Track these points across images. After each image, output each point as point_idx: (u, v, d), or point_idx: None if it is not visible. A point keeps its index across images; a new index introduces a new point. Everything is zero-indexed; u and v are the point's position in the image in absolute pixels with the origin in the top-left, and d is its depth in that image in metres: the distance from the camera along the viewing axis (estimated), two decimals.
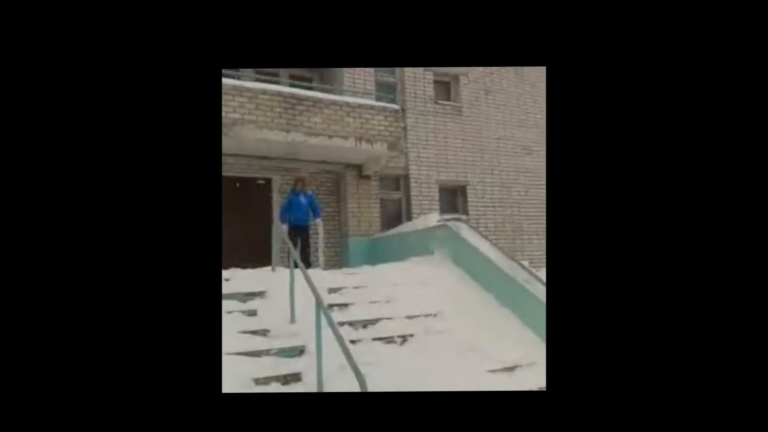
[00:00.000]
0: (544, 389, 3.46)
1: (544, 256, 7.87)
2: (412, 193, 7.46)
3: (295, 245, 5.48)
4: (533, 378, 3.58)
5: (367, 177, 7.10)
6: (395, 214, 7.43)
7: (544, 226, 8.21)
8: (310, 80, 7.75)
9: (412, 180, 7.48)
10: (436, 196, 7.61)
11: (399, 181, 7.52)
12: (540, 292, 4.18)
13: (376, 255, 6.38)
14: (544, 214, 8.23)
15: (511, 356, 3.71)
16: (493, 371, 3.51)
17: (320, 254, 6.17)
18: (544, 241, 8.14)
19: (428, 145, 7.65)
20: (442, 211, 7.47)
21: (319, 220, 6.05)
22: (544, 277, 4.50)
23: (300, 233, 5.81)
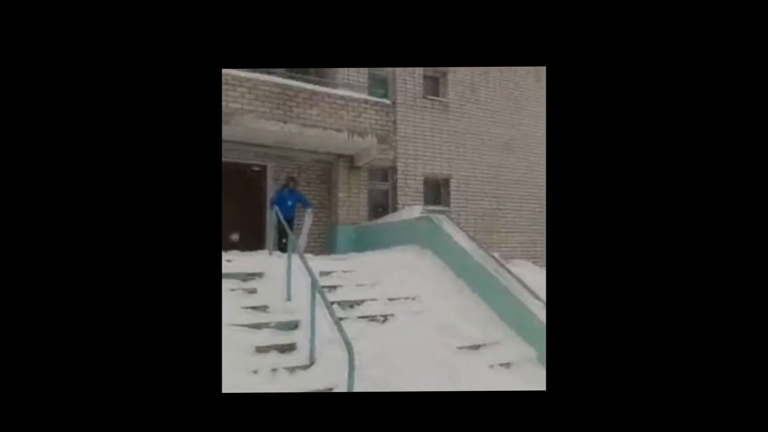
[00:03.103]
0: (508, 364, 4.03)
1: (518, 248, 8.48)
2: (399, 184, 7.92)
3: (280, 235, 5.96)
4: (496, 355, 4.15)
5: (358, 168, 7.52)
6: (382, 204, 7.91)
7: (521, 219, 8.81)
8: (306, 71, 8.07)
9: (399, 172, 7.94)
10: (421, 188, 8.09)
11: (387, 173, 7.97)
12: (507, 281, 4.74)
13: (362, 243, 6.85)
14: (521, 208, 8.83)
15: (478, 336, 4.28)
16: (461, 348, 4.06)
17: (303, 241, 6.55)
18: (519, 235, 8.74)
19: (416, 138, 8.09)
20: (426, 202, 7.97)
21: (309, 210, 6.47)
22: (512, 268, 5.06)
23: (289, 222, 6.28)
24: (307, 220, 6.44)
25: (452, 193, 8.36)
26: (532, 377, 3.96)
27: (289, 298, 4.15)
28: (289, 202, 6.30)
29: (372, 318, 4.23)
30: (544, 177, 9.10)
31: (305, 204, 6.49)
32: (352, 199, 7.44)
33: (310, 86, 6.57)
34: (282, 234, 6.05)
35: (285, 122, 6.27)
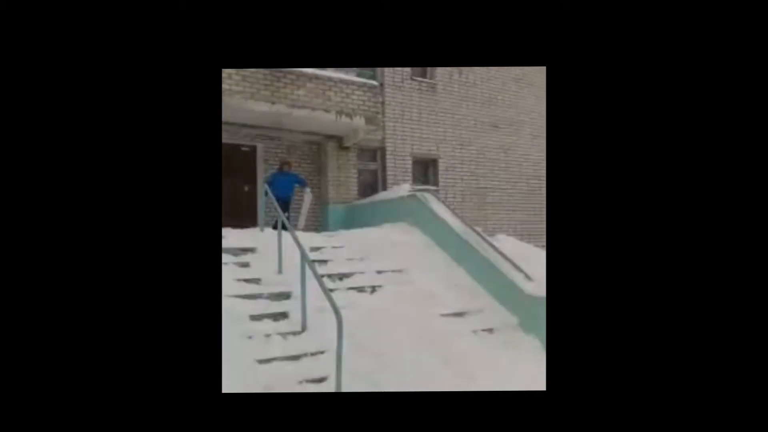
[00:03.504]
0: (491, 329, 4.27)
1: (504, 225, 8.71)
2: (388, 164, 8.06)
3: (283, 209, 6.15)
4: (479, 321, 4.39)
5: (347, 148, 7.64)
6: (371, 184, 8.05)
7: (507, 197, 9.02)
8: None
9: (388, 152, 8.07)
10: (410, 168, 8.24)
11: (376, 153, 8.10)
12: (489, 253, 4.95)
13: (352, 220, 7.02)
14: (507, 186, 9.03)
15: (461, 304, 4.50)
16: (445, 315, 4.29)
17: (302, 220, 6.76)
18: (505, 212, 8.96)
19: (404, 119, 8.21)
20: (415, 181, 8.13)
21: (308, 189, 6.62)
22: (495, 243, 5.27)
23: (282, 206, 6.47)
24: (307, 198, 6.53)
25: (441, 172, 8.52)
26: (513, 341, 4.21)
27: (280, 272, 4.32)
28: (285, 184, 6.42)
29: (360, 289, 4.43)
30: (530, 156, 9.32)
31: (302, 183, 6.59)
32: (341, 179, 7.58)
33: (297, 67, 6.63)
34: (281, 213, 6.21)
35: (273, 103, 6.34)
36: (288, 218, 6.58)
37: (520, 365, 3.80)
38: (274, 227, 6.06)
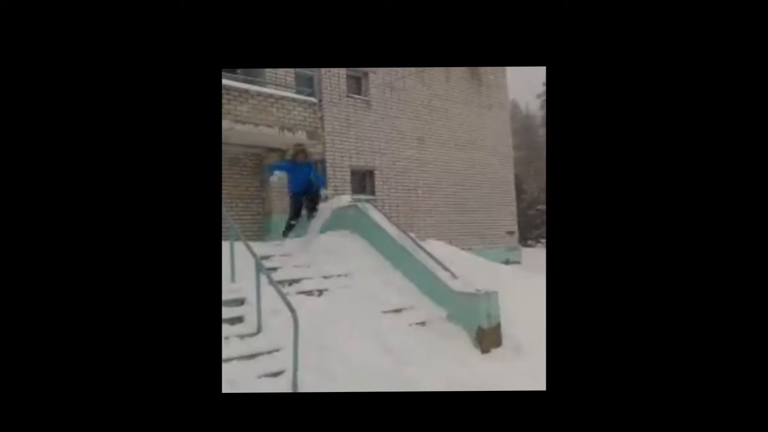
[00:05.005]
0: (423, 322, 4.94)
1: (433, 228, 9.57)
2: (328, 176, 8.56)
3: (300, 207, 6.13)
4: (414, 316, 5.05)
5: None
6: None
7: (435, 203, 9.89)
8: (234, 71, 8.32)
9: (327, 164, 8.57)
10: (348, 179, 8.81)
11: (316, 165, 8.55)
12: (421, 256, 5.66)
13: (295, 230, 7.41)
14: (435, 193, 9.91)
15: (398, 302, 5.14)
16: (384, 312, 4.90)
17: (315, 234, 6.13)
18: (433, 217, 9.83)
19: (341, 133, 8.77)
20: (354, 191, 8.71)
21: (323, 191, 6.08)
22: (426, 246, 5.99)
23: (298, 203, 6.16)
24: (325, 209, 5.96)
25: (376, 182, 9.19)
26: (442, 331, 4.92)
27: (233, 280, 4.66)
28: (301, 176, 5.87)
29: (309, 293, 4.90)
30: (455, 166, 10.29)
31: (320, 180, 6.05)
32: (285, 190, 7.93)
33: (240, 84, 6.93)
34: (295, 214, 5.95)
35: None
36: (309, 216, 6.03)
37: (450, 351, 4.51)
38: (286, 231, 6.05)
